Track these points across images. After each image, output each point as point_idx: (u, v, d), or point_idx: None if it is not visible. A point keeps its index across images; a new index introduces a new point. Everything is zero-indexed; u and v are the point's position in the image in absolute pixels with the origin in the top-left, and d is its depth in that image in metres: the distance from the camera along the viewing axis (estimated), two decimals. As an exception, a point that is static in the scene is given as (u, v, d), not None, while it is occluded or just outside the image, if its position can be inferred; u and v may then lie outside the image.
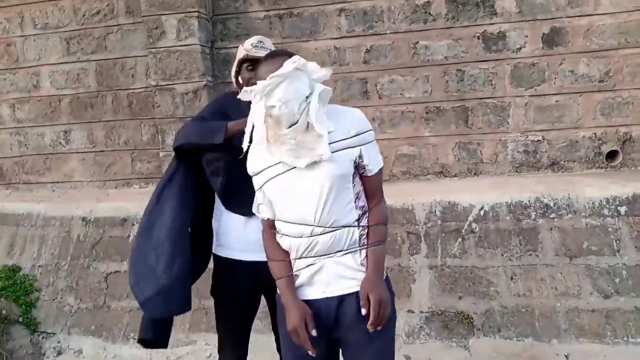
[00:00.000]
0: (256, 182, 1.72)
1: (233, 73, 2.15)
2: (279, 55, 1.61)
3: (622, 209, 3.37)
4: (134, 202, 4.16)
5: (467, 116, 4.02)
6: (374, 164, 1.66)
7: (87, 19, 4.59)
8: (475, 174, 4.05)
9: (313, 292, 1.67)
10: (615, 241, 3.29)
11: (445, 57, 4.00)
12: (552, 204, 3.48)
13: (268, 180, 1.66)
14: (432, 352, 3.12)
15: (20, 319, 3.73)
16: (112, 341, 3.58)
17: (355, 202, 1.64)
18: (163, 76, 4.20)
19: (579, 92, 3.85)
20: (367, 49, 4.14)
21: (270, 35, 4.28)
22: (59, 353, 3.61)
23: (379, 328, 1.60)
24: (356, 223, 1.64)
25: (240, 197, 1.94)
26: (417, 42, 4.04)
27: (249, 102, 2.09)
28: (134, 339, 3.55)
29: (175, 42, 4.17)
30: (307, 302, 1.66)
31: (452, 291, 3.33)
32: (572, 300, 3.16)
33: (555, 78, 3.87)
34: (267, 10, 4.30)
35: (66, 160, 4.78)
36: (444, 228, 3.54)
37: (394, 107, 4.10)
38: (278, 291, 1.72)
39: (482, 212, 3.53)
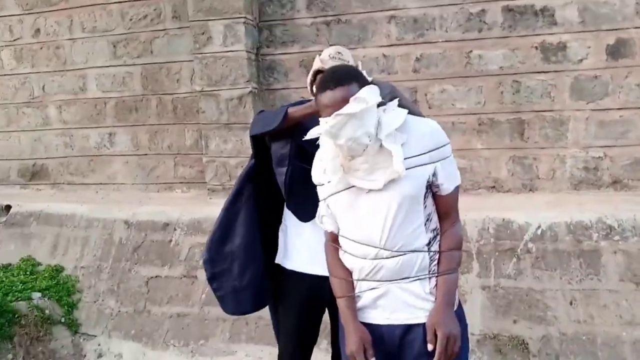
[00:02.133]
0: (320, 192, 1.62)
1: (308, 82, 2.08)
2: (342, 78, 1.44)
3: (695, 234, 3.13)
4: (175, 207, 4.14)
5: (523, 129, 3.83)
6: (450, 182, 1.51)
7: (134, 23, 4.61)
8: (530, 190, 3.86)
9: (376, 317, 1.55)
10: (687, 268, 3.05)
11: (501, 67, 3.84)
12: (616, 225, 3.26)
13: (332, 195, 1.56)
14: (485, 378, 2.95)
15: (62, 320, 3.73)
16: (151, 347, 3.54)
17: (425, 224, 1.51)
18: (208, 82, 4.17)
19: (646, 107, 3.63)
20: (417, 58, 4.01)
21: (317, 42, 4.21)
22: (100, 355, 3.59)
23: None
24: (426, 248, 1.51)
25: (304, 196, 1.85)
26: (471, 51, 3.89)
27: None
28: (174, 345, 3.51)
29: (221, 47, 4.14)
30: (369, 325, 1.55)
31: (506, 314, 3.15)
32: (639, 330, 2.93)
33: (619, 92, 3.65)
34: (315, 17, 4.22)
35: (110, 163, 4.80)
36: (498, 247, 3.36)
37: (444, 117, 3.94)
38: (340, 313, 1.61)
39: (539, 231, 3.34)
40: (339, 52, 2.02)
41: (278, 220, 2.09)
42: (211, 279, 2.07)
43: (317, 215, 1.67)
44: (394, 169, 1.41)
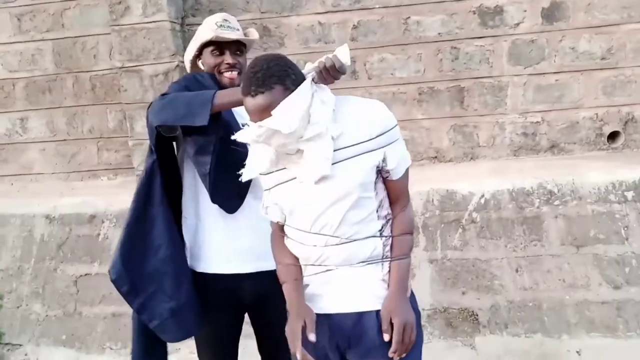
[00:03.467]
0: (264, 182, 1.47)
1: (190, 56, 1.81)
2: (263, 82, 1.27)
3: (629, 194, 3.21)
4: (102, 196, 3.79)
5: (463, 97, 3.77)
6: (399, 165, 1.40)
7: (40, -8, 4.10)
8: (471, 158, 3.83)
9: (325, 305, 1.45)
10: (623, 228, 3.13)
11: (439, 34, 3.73)
12: (556, 190, 3.29)
13: (277, 185, 1.42)
14: (436, 353, 2.92)
15: (-20, 331, 3.36)
16: (86, 352, 3.26)
17: (377, 211, 1.41)
18: (129, 57, 3.78)
19: (580, 71, 3.65)
20: (354, 25, 3.82)
21: (247, 10, 3.92)
22: (27, 367, 3.28)
23: (403, 355, 1.40)
24: (379, 233, 1.41)
25: (230, 185, 1.63)
26: (409, 18, 3.75)
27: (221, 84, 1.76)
28: (111, 348, 3.25)
29: (141, 18, 3.74)
30: (318, 315, 1.43)
31: (455, 286, 3.13)
32: (581, 292, 3.00)
33: (555, 55, 3.65)
34: (244, -18, 3.91)
35: (24, 151, 4.32)
36: (443, 218, 3.32)
37: (384, 87, 3.82)
38: (286, 298, 1.47)
39: (482, 201, 3.33)
40: (226, 20, 1.78)
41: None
42: (140, 310, 1.72)
43: (261, 206, 1.54)
44: (310, 173, 1.32)
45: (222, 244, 1.75)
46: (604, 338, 2.86)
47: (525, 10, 3.63)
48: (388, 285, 1.42)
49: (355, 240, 1.38)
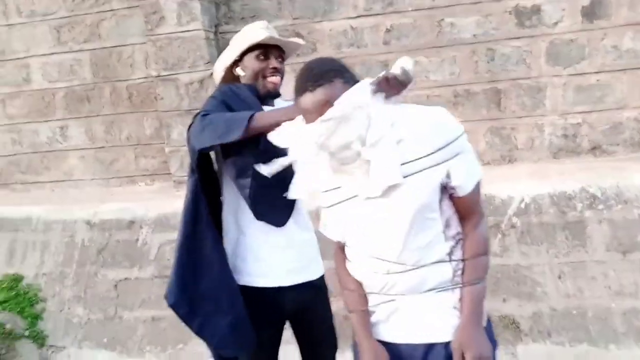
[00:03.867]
0: (322, 199, 1.39)
1: (229, 62, 1.79)
2: (322, 76, 1.21)
3: (678, 198, 3.09)
4: (140, 202, 3.86)
5: (499, 99, 3.70)
6: (467, 180, 1.27)
7: (77, 4, 4.22)
8: (509, 161, 3.75)
9: (393, 334, 1.36)
10: (672, 233, 3.01)
11: (474, 35, 3.66)
12: (599, 194, 3.19)
13: (335, 204, 1.34)
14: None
15: (27, 333, 3.47)
16: (127, 354, 3.33)
17: (444, 232, 1.29)
18: (164, 65, 3.85)
19: (623, 70, 3.52)
20: (387, 29, 3.79)
21: (279, 16, 3.94)
22: (70, 369, 3.36)
23: None
24: (448, 257, 1.29)
25: (272, 201, 1.62)
26: (442, 20, 3.69)
27: (262, 96, 1.75)
28: (151, 351, 3.31)
29: (176, 27, 3.81)
30: (386, 344, 1.36)
31: (495, 293, 3.06)
32: (628, 300, 2.90)
33: (596, 55, 3.54)
34: (276, -11, 3.93)
35: (65, 158, 4.45)
36: (482, 223, 3.25)
37: (419, 91, 3.76)
38: (354, 329, 1.41)
39: (522, 205, 3.25)
40: (268, 27, 1.78)
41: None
42: (201, 330, 1.72)
43: (320, 223, 1.46)
44: (388, 179, 1.21)
45: (265, 257, 1.75)
46: (654, 348, 2.76)
47: (563, 9, 3.53)
48: (460, 314, 1.30)
49: (421, 266, 1.27)
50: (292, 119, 1.48)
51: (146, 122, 4.23)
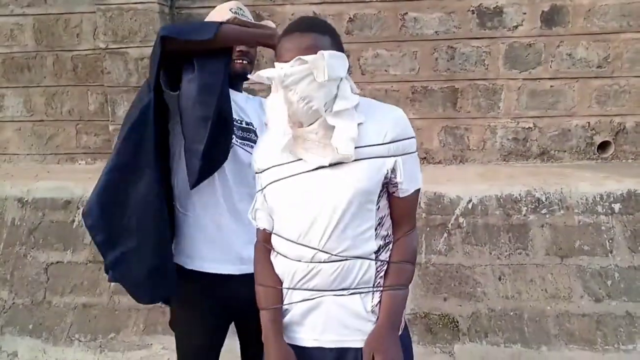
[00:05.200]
0: (259, 181, 1.37)
1: None
2: (317, 26, 1.25)
3: (616, 207, 3.18)
4: (78, 182, 3.64)
5: (456, 98, 3.70)
6: (409, 182, 1.28)
7: (22, -36, 3.91)
8: (460, 161, 3.77)
9: (304, 337, 1.32)
10: (608, 241, 3.10)
11: (436, 32, 3.64)
12: (544, 199, 3.24)
13: (273, 182, 1.31)
14: (415, 359, 2.87)
15: (-57, 316, 3.22)
16: (53, 343, 3.14)
17: (377, 229, 1.28)
18: (114, 38, 3.63)
19: (576, 78, 3.59)
20: (350, 18, 3.71)
21: (240, -4, 3.77)
22: (-10, 355, 3.15)
23: None
24: (374, 255, 1.27)
25: (221, 146, 1.56)
26: (406, 14, 3.65)
27: (231, 77, 1.67)
28: (79, 340, 3.13)
29: (128, -2, 3.60)
30: (295, 347, 1.32)
31: (437, 291, 3.08)
32: (562, 303, 2.97)
33: (551, 61, 3.59)
34: (238, -34, 3.76)
35: (0, 130, 4.15)
36: (429, 222, 3.25)
37: (377, 84, 3.73)
38: (263, 329, 1.36)
39: (470, 205, 3.27)
40: (240, 9, 1.71)
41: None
42: (114, 265, 1.56)
43: (250, 209, 1.43)
44: (341, 151, 1.20)
45: (216, 241, 1.65)
46: (583, 351, 2.83)
47: (524, 13, 3.55)
48: (376, 320, 1.28)
49: (346, 258, 1.25)
50: (254, 41, 1.64)
51: (90, 96, 3.99)
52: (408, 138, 1.27)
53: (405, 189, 1.28)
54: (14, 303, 3.28)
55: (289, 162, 1.28)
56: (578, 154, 3.69)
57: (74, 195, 3.53)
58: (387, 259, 1.30)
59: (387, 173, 1.26)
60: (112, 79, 3.69)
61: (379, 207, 1.28)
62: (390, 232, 1.32)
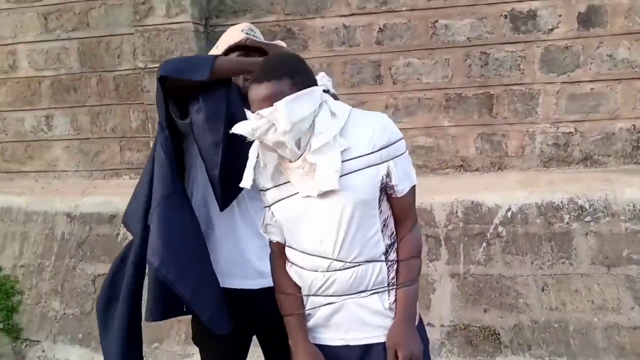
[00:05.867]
0: (264, 198, 1.42)
1: None
2: (273, 71, 1.27)
3: (667, 213, 3.03)
4: (123, 196, 3.74)
5: (492, 104, 3.62)
6: (405, 182, 1.35)
7: (66, -9, 4.13)
8: (499, 168, 3.68)
9: (330, 337, 1.39)
10: (659, 249, 2.96)
11: (468, 39, 3.58)
12: (587, 206, 3.13)
13: (278, 201, 1.37)
14: (455, 372, 2.83)
15: (1, 325, 3.41)
16: (101, 352, 3.26)
17: (382, 230, 1.35)
18: (152, 57, 3.77)
19: (618, 79, 3.45)
20: (380, 28, 3.71)
21: (271, 12, 3.86)
22: (43, 364, 3.31)
23: None
24: (383, 257, 1.35)
25: (237, 171, 1.53)
26: (437, 21, 3.61)
27: (244, 96, 1.73)
28: (125, 350, 3.24)
29: (164, 19, 3.73)
30: (323, 347, 1.39)
31: (477, 303, 3.02)
32: (611, 315, 2.85)
33: (591, 63, 3.46)
34: (269, -17, 3.85)
35: (49, 148, 4.37)
36: (467, 231, 3.20)
37: (410, 93, 3.70)
38: (289, 334, 1.43)
39: (509, 214, 3.19)
40: (252, 29, 1.76)
41: None
42: (193, 300, 1.53)
43: (261, 224, 1.48)
44: (319, 186, 1.27)
45: (235, 257, 1.68)
46: (635, 365, 2.71)
47: (560, 15, 3.46)
48: (394, 315, 1.37)
49: (359, 263, 1.32)
50: (249, 71, 1.56)
51: (132, 114, 4.15)
52: (396, 141, 1.33)
53: (401, 189, 1.34)
54: (64, 313, 3.44)
55: (287, 182, 1.35)
56: (624, 158, 3.53)
57: (119, 210, 3.66)
58: (396, 258, 1.37)
59: (383, 179, 1.31)
60: (152, 96, 3.81)
61: (381, 210, 1.35)
62: (394, 231, 1.38)
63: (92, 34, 4.12)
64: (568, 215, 3.12)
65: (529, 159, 3.64)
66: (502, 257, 3.09)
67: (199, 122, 1.58)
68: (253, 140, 1.62)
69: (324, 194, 1.28)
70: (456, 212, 3.25)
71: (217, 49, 1.76)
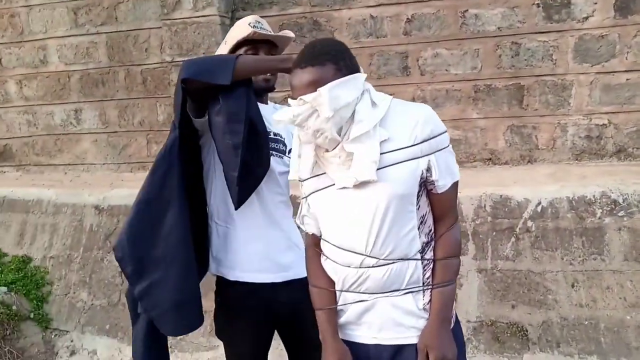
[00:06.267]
0: (302, 189, 1.40)
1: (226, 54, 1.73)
2: (316, 57, 1.22)
3: None
4: (150, 189, 3.84)
5: (522, 96, 3.53)
6: (446, 177, 1.28)
7: (95, -14, 4.18)
8: (529, 161, 3.59)
9: (362, 335, 1.36)
10: (697, 245, 2.84)
11: (499, 28, 3.49)
12: (620, 200, 3.02)
13: (315, 192, 1.34)
14: (482, 369, 2.77)
15: (31, 315, 3.50)
16: (128, 342, 3.31)
17: (419, 227, 1.30)
18: (179, 51, 3.80)
19: (656, 69, 3.33)
20: (408, 19, 3.65)
21: (297, 3, 3.84)
22: (73, 353, 3.38)
23: None
24: (419, 255, 1.30)
25: (254, 171, 1.61)
26: (466, 11, 3.53)
27: (256, 91, 1.71)
28: (152, 340, 3.29)
29: (192, 12, 3.75)
30: (353, 344, 1.36)
31: (504, 299, 2.95)
32: (645, 313, 2.75)
33: (627, 52, 3.34)
34: (294, -25, 3.82)
35: (78, 141, 4.46)
36: (495, 226, 3.13)
37: (438, 85, 3.63)
38: (320, 328, 1.40)
39: (539, 208, 3.10)
40: (259, 21, 1.71)
41: (201, 219, 1.76)
42: (142, 296, 1.60)
43: (297, 215, 1.47)
44: (355, 176, 1.23)
45: (255, 252, 1.69)
46: (671, 366, 2.61)
47: (595, 3, 3.33)
48: (429, 315, 1.31)
49: (393, 261, 1.27)
50: (271, 69, 1.65)
51: (159, 107, 4.20)
52: (439, 134, 1.27)
53: (442, 185, 1.28)
54: (92, 304, 3.50)
55: (324, 173, 1.31)
56: (660, 151, 3.41)
57: (145, 202, 3.71)
58: (432, 257, 1.32)
59: (423, 173, 1.26)
60: (178, 90, 3.85)
61: (419, 206, 1.29)
62: (432, 228, 1.33)
63: (120, 28, 4.17)
64: (600, 210, 3.02)
65: (560, 152, 3.54)
66: (531, 253, 3.01)
67: (218, 124, 1.57)
68: (267, 138, 1.63)
69: (359, 186, 1.24)
70: (484, 207, 3.18)
71: (226, 45, 1.74)
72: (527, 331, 2.85)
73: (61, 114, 4.43)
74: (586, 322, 2.81)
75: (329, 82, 1.18)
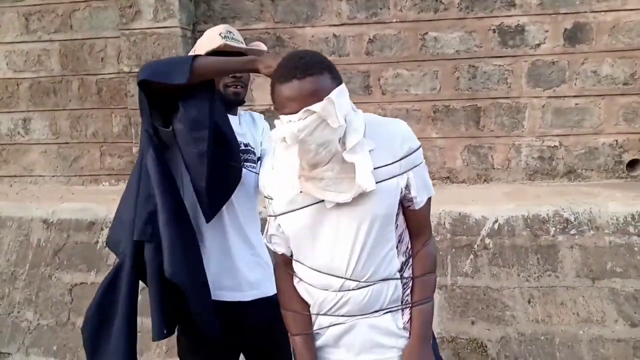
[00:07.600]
0: (270, 207, 1.32)
1: None
2: (313, 66, 1.14)
3: (649, 227, 3.08)
4: (102, 203, 3.68)
5: (479, 117, 3.66)
6: (423, 193, 1.27)
7: (49, -9, 4.02)
8: (485, 180, 3.71)
9: (341, 358, 1.31)
10: (642, 262, 3.00)
11: (457, 51, 3.62)
12: (572, 219, 3.16)
13: (287, 213, 1.26)
14: (443, 385, 2.79)
15: (-30, 337, 3.24)
16: (76, 365, 3.14)
17: (397, 247, 1.27)
18: (137, 62, 3.69)
19: (601, 95, 3.53)
20: (370, 39, 3.72)
21: (260, 19, 3.83)
22: (15, 377, 3.15)
23: None
24: (398, 274, 1.27)
25: (222, 180, 1.54)
26: (426, 33, 3.64)
27: (226, 103, 1.68)
28: (102, 362, 3.11)
29: (152, 23, 3.67)
30: None
31: (464, 315, 3.00)
32: (595, 327, 2.86)
33: (576, 79, 3.53)
34: (259, -10, 3.82)
35: (26, 152, 4.23)
36: (454, 242, 3.19)
37: (398, 104, 3.71)
38: (292, 348, 1.36)
39: (496, 226, 3.20)
40: (230, 32, 1.67)
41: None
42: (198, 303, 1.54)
43: (264, 232, 1.39)
44: (360, 185, 1.15)
45: (224, 267, 1.63)
46: (620, 379, 2.72)
47: (546, 31, 3.52)
48: (409, 335, 1.29)
49: (374, 282, 1.24)
50: (233, 70, 1.56)
51: (114, 119, 4.05)
52: (416, 150, 1.25)
53: (419, 201, 1.27)
54: (38, 324, 3.29)
55: (300, 193, 1.24)
56: (606, 172, 3.60)
57: (98, 217, 3.56)
58: (411, 275, 1.30)
59: (402, 191, 1.24)
60: (136, 101, 3.71)
61: (397, 225, 1.27)
62: (409, 246, 1.31)
63: (74, 37, 4.02)
64: (554, 228, 3.15)
65: (514, 172, 3.67)
66: (489, 269, 3.09)
67: (181, 133, 1.48)
68: (238, 150, 1.57)
69: (339, 207, 1.18)
70: (443, 224, 3.25)
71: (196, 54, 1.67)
72: (486, 347, 2.91)
73: (8, 122, 4.20)
74: (542, 337, 2.89)
75: (330, 91, 1.11)
